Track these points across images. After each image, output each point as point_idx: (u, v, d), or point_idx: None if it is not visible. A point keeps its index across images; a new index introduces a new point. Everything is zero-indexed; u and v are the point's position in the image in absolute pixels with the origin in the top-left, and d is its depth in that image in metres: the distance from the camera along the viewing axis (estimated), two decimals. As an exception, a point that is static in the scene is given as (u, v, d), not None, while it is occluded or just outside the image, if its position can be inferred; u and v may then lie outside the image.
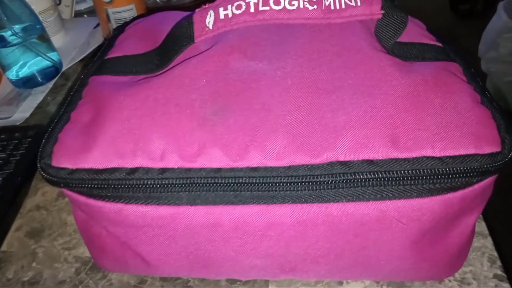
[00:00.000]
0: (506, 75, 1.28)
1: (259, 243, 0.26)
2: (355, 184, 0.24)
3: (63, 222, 0.39)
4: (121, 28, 0.41)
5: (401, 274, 0.29)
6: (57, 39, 0.65)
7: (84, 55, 0.64)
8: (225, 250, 0.27)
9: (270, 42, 0.33)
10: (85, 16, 0.78)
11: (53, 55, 0.60)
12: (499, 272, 0.32)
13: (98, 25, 0.70)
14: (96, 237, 0.30)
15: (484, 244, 0.34)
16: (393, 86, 0.27)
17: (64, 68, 0.62)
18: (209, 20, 0.33)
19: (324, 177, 0.24)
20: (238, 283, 0.32)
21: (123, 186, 0.25)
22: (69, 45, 0.67)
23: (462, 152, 0.24)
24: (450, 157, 0.24)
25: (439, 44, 0.34)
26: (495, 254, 0.33)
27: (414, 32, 0.35)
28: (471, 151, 0.24)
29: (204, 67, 0.30)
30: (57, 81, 0.60)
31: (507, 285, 0.31)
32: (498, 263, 0.33)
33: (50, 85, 0.59)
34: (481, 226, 0.35)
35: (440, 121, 0.26)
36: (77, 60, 0.63)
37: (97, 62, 0.36)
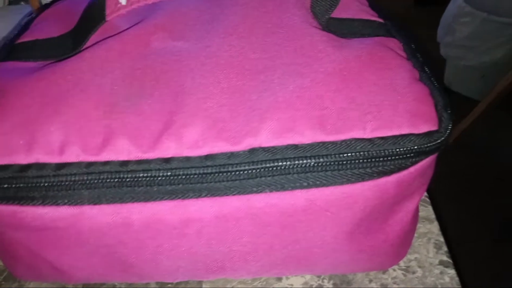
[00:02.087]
0: (463, 59, 1.30)
1: (178, 243, 0.23)
2: (279, 172, 0.22)
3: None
4: (41, 10, 0.37)
5: (340, 266, 0.27)
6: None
7: None
8: (141, 252, 0.24)
9: (199, 21, 0.30)
10: (22, 3, 0.72)
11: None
12: (445, 258, 0.31)
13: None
14: (5, 244, 0.27)
15: (430, 229, 0.33)
16: (323, 63, 0.25)
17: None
18: (122, -6, 0.29)
19: (245, 166, 0.22)
20: (169, 285, 0.30)
21: (14, 185, 0.22)
22: (0, 35, 0.61)
23: (395, 132, 0.22)
24: (381, 138, 0.22)
25: (380, 20, 0.32)
26: (441, 239, 0.32)
27: (354, 8, 0.32)
28: (404, 130, 0.22)
29: (121, 48, 0.27)
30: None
31: (453, 271, 0.30)
32: (444, 248, 0.31)
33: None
34: (428, 211, 0.34)
35: (373, 99, 0.24)
36: None
37: (7, 47, 0.32)
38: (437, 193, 0.32)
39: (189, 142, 0.22)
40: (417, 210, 0.28)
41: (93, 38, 0.30)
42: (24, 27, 0.34)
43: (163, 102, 0.24)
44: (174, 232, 0.23)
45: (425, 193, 0.35)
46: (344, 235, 0.24)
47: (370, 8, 0.33)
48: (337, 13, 0.31)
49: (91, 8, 0.29)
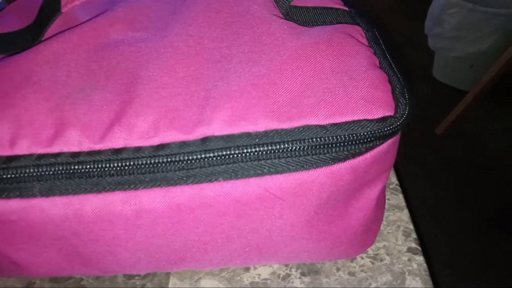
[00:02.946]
0: (452, 50, 1.30)
1: (133, 234, 0.23)
2: (233, 160, 0.22)
3: None
4: (8, 4, 0.37)
5: (303, 255, 0.27)
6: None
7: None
8: (97, 244, 0.24)
9: (161, 13, 0.30)
10: None
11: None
12: (413, 245, 0.31)
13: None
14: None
15: (400, 217, 0.33)
16: (279, 51, 0.25)
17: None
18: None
19: (198, 155, 0.21)
20: (137, 277, 0.30)
21: (-37, 179, 0.21)
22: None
23: (348, 118, 0.22)
24: (334, 124, 0.22)
25: (345, 8, 0.31)
26: (411, 226, 0.32)
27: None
28: (358, 116, 0.22)
29: (78, 41, 0.27)
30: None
31: (421, 257, 0.30)
32: (413, 235, 0.31)
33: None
34: (398, 199, 0.34)
35: (328, 86, 0.23)
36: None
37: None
38: (407, 180, 0.32)
39: (140, 132, 0.22)
40: (381, 198, 0.27)
41: (51, 31, 0.29)
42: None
43: (116, 93, 0.24)
44: (128, 223, 0.22)
45: (396, 181, 0.35)
46: (302, 223, 0.24)
47: (336, -3, 0.33)
48: (300, 2, 0.31)
49: (47, 0, 0.29)
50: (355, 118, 0.22)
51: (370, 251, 0.30)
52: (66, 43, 0.27)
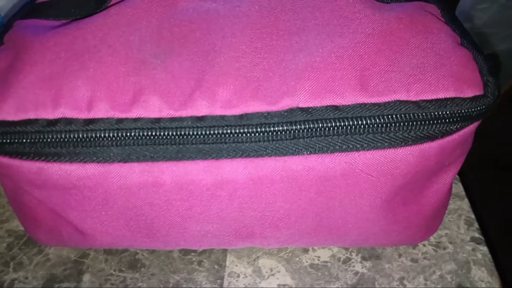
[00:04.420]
0: (482, 47, 1.27)
1: (209, 206, 0.22)
2: (318, 134, 0.21)
3: (-4, 193, 0.34)
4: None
5: (371, 238, 0.26)
6: (-2, -4, 0.58)
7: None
8: (169, 215, 0.23)
9: None
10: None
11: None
12: (476, 234, 0.30)
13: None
14: (26, 206, 0.26)
15: (460, 206, 0.32)
16: (363, 23, 0.24)
17: (6, 28, 0.56)
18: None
19: (282, 126, 0.21)
20: (193, 253, 0.29)
21: (41, 140, 0.21)
22: (12, 4, 0.60)
23: (441, 95, 0.21)
24: (427, 101, 0.21)
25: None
26: (472, 216, 0.31)
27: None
28: (450, 94, 0.21)
29: (147, 6, 0.26)
30: (-2, 42, 0.53)
31: (485, 248, 0.29)
32: (476, 225, 0.30)
33: (-10, 46, 0.53)
34: (458, 188, 0.33)
35: (416, 62, 0.22)
36: (22, 20, 0.57)
37: (26, 7, 0.30)
38: (467, 169, 0.31)
39: (222, 100, 0.21)
40: (451, 184, 0.27)
41: (114, -2, 0.28)
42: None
43: (193, 61, 0.23)
44: (206, 193, 0.22)
45: (455, 170, 0.34)
46: (381, 203, 0.23)
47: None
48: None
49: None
50: (447, 95, 0.21)
51: (432, 238, 0.30)
52: (136, 9, 0.26)
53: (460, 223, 0.30)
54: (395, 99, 0.21)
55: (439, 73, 0.22)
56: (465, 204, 0.32)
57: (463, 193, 0.33)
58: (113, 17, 0.25)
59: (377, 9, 0.25)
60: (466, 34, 0.25)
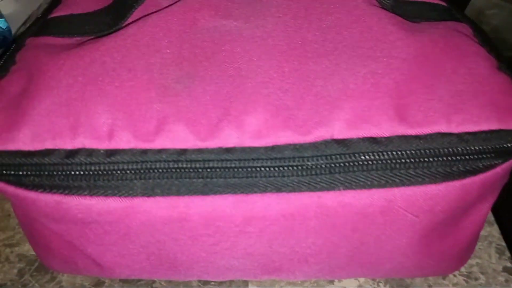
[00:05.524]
0: (489, 52, 1.26)
1: (236, 241, 0.21)
2: (355, 168, 0.19)
3: (6, 214, 0.33)
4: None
5: (403, 271, 0.25)
6: (5, 4, 0.58)
7: (38, 22, 0.57)
8: (194, 250, 0.22)
9: None
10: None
11: (0, 22, 0.52)
12: (508, 264, 0.28)
13: (54, -11, 0.62)
14: (39, 234, 0.25)
15: (490, 232, 0.30)
16: (397, 47, 0.23)
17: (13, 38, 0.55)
18: (173, -32, 0.27)
19: (317, 159, 0.19)
20: (213, 283, 0.28)
21: (60, 172, 0.20)
22: (20, 12, 0.59)
23: (483, 127, 0.20)
24: (469, 133, 0.20)
25: (443, 3, 0.29)
26: (503, 244, 0.30)
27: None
28: (494, 126, 0.20)
29: (167, 26, 0.25)
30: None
31: (518, 279, 0.28)
32: (507, 254, 0.29)
33: (-3, 56, 0.52)
34: (486, 212, 0.31)
35: (454, 89, 0.21)
36: (29, 28, 0.56)
37: (39, 21, 0.29)
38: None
39: (251, 131, 0.20)
40: (488, 213, 0.25)
41: (134, 15, 0.27)
42: (55, 1, 0.32)
43: (219, 86, 0.21)
44: (234, 229, 0.21)
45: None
46: (418, 239, 0.22)
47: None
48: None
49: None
50: (491, 127, 0.20)
51: (462, 268, 0.28)
52: (155, 27, 0.25)
53: (491, 251, 0.29)
54: (436, 131, 0.20)
55: (480, 102, 0.21)
56: (495, 230, 0.30)
57: (493, 218, 0.31)
58: (132, 37, 0.24)
59: (409, 31, 0.24)
60: (501, 56, 0.24)
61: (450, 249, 0.24)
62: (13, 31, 0.55)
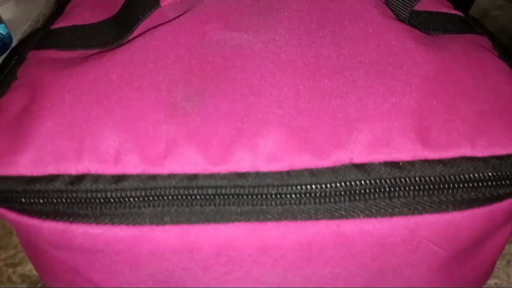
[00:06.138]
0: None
1: (249, 271, 0.20)
2: (376, 196, 0.18)
3: (7, 231, 0.32)
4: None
5: (421, 297, 0.24)
6: (6, 9, 0.57)
7: (39, 28, 0.56)
8: (204, 279, 0.21)
9: (256, 9, 0.26)
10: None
11: (0, 28, 0.51)
12: (528, 285, 0.28)
13: (55, -6, 0.61)
14: (43, 259, 0.23)
15: (508, 250, 0.29)
16: (417, 64, 0.21)
17: (14, 44, 0.54)
18: (180, -24, 0.26)
19: (336, 186, 0.18)
20: (221, 306, 0.27)
21: (64, 200, 0.19)
22: (21, 17, 0.58)
23: (510, 150, 0.19)
24: (496, 157, 0.19)
25: (460, 14, 0.28)
26: (522, 262, 0.29)
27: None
28: (521, 148, 0.19)
29: (174, 39, 0.24)
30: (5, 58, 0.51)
31: (539, 301, 0.27)
32: (526, 273, 0.28)
33: (-3, 63, 0.51)
34: (503, 229, 0.30)
35: (478, 109, 0.20)
36: (30, 34, 0.55)
37: (41, 33, 0.28)
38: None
39: (265, 154, 0.19)
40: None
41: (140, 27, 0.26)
42: (58, 11, 0.31)
43: (230, 105, 0.20)
44: (247, 259, 0.19)
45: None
46: (438, 266, 0.21)
47: (444, -2, 0.30)
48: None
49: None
50: (518, 150, 0.19)
51: (480, 289, 0.27)
52: (162, 41, 0.24)
53: (509, 271, 0.28)
54: (460, 155, 0.19)
55: (506, 122, 0.20)
56: (513, 248, 0.29)
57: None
58: (138, 52, 0.23)
59: (429, 45, 0.23)
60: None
61: (470, 273, 0.23)
62: (14, 37, 0.54)
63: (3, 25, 0.51)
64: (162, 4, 0.25)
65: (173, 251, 0.19)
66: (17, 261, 0.30)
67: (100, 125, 0.20)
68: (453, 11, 0.28)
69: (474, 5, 1.30)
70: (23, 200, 0.19)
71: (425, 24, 0.26)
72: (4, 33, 0.51)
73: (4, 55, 0.52)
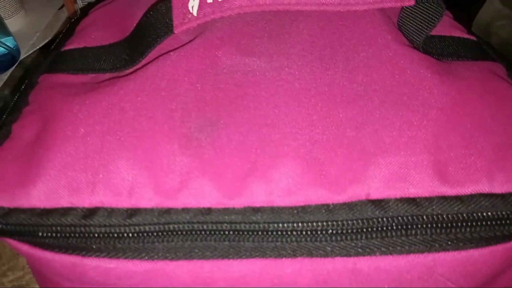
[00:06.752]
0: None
1: (263, 306, 0.20)
2: (393, 233, 0.18)
3: (15, 252, 0.32)
4: (85, 11, 0.33)
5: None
6: (14, 22, 0.57)
7: (47, 41, 0.56)
8: (217, 313, 0.20)
9: (268, 34, 0.26)
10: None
11: (8, 41, 0.51)
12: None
13: (63, 5, 0.61)
14: (53, 286, 0.23)
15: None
16: (433, 94, 0.21)
17: (22, 57, 0.54)
18: (193, 3, 0.25)
19: (352, 223, 0.18)
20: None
21: (77, 234, 0.18)
22: (29, 29, 0.58)
23: (529, 186, 0.19)
24: (515, 194, 0.18)
25: (473, 38, 0.28)
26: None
27: (441, 21, 0.28)
28: (541, 185, 0.19)
29: (187, 65, 0.23)
30: (13, 71, 0.51)
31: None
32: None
33: (5, 76, 0.51)
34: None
35: (495, 141, 0.20)
36: (38, 47, 0.55)
37: (51, 55, 0.28)
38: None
39: (280, 187, 0.19)
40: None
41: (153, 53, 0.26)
42: (68, 31, 0.31)
43: (244, 136, 0.20)
44: (262, 296, 0.19)
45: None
46: (454, 301, 0.21)
47: (456, 21, 0.29)
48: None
49: (154, 16, 0.26)
50: (538, 187, 0.19)
51: (493, 318, 0.27)
52: (175, 68, 0.23)
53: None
54: (478, 191, 0.18)
55: (524, 156, 0.19)
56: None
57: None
58: (151, 79, 0.23)
59: (444, 74, 0.23)
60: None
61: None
62: (22, 49, 0.54)
63: (11, 37, 0.52)
64: (175, 31, 0.24)
65: (186, 286, 0.19)
66: (24, 283, 0.30)
67: (114, 157, 0.19)
68: (466, 35, 0.28)
69: (479, 15, 1.30)
70: (35, 233, 0.19)
71: (439, 49, 0.26)
72: (12, 46, 0.51)
73: (12, 68, 0.52)
